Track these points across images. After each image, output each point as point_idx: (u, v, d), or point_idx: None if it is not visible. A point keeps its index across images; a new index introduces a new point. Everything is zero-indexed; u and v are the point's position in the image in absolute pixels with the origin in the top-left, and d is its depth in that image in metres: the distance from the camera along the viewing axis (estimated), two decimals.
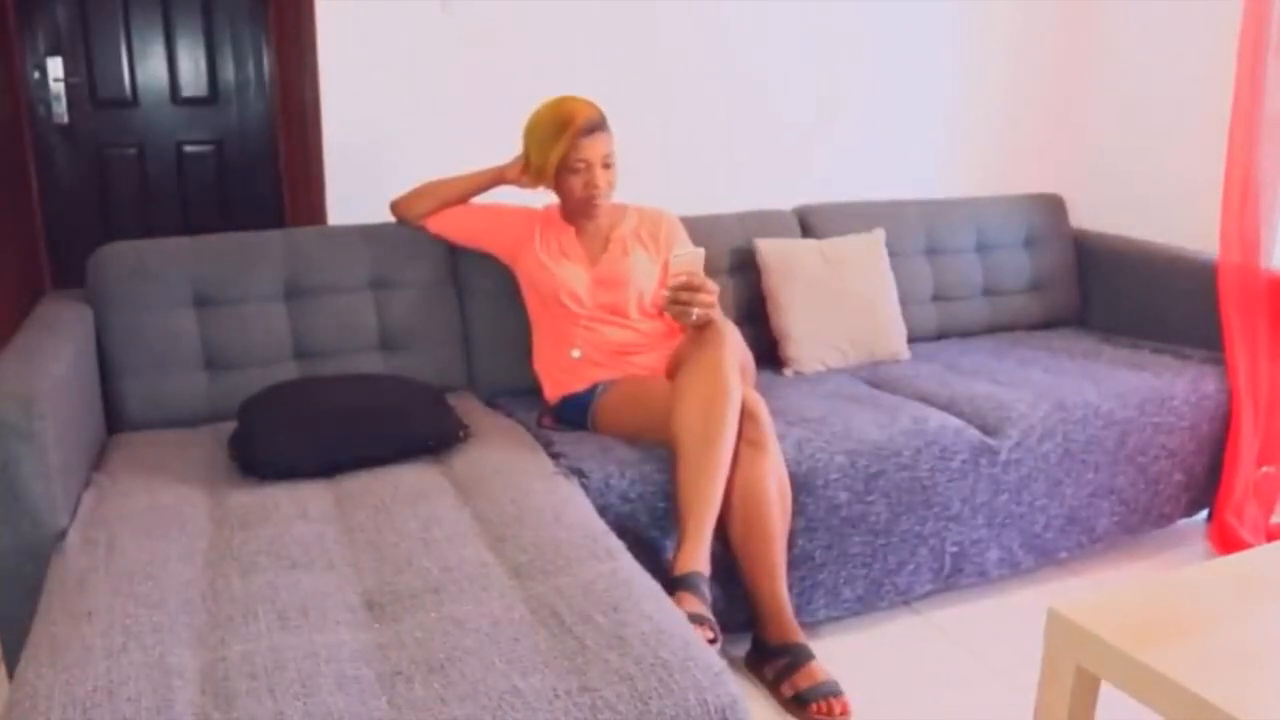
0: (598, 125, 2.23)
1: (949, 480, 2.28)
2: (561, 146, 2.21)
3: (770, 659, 2.01)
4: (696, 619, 1.75)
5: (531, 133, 2.28)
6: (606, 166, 2.25)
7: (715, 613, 2.02)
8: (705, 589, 1.84)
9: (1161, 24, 3.14)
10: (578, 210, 2.32)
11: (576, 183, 2.25)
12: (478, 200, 2.44)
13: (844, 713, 1.92)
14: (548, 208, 2.41)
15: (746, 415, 1.99)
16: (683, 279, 2.04)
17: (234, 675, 1.27)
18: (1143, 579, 2.24)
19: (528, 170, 2.32)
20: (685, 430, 1.95)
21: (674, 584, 1.84)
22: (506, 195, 2.43)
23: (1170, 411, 2.54)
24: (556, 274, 2.31)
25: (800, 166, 3.10)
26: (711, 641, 1.74)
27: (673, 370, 2.16)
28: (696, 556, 1.87)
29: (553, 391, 2.35)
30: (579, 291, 2.30)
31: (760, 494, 1.97)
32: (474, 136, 2.68)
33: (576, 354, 2.30)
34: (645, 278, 2.33)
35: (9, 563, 1.67)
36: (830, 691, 1.93)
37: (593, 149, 2.22)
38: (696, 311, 2.04)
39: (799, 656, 1.98)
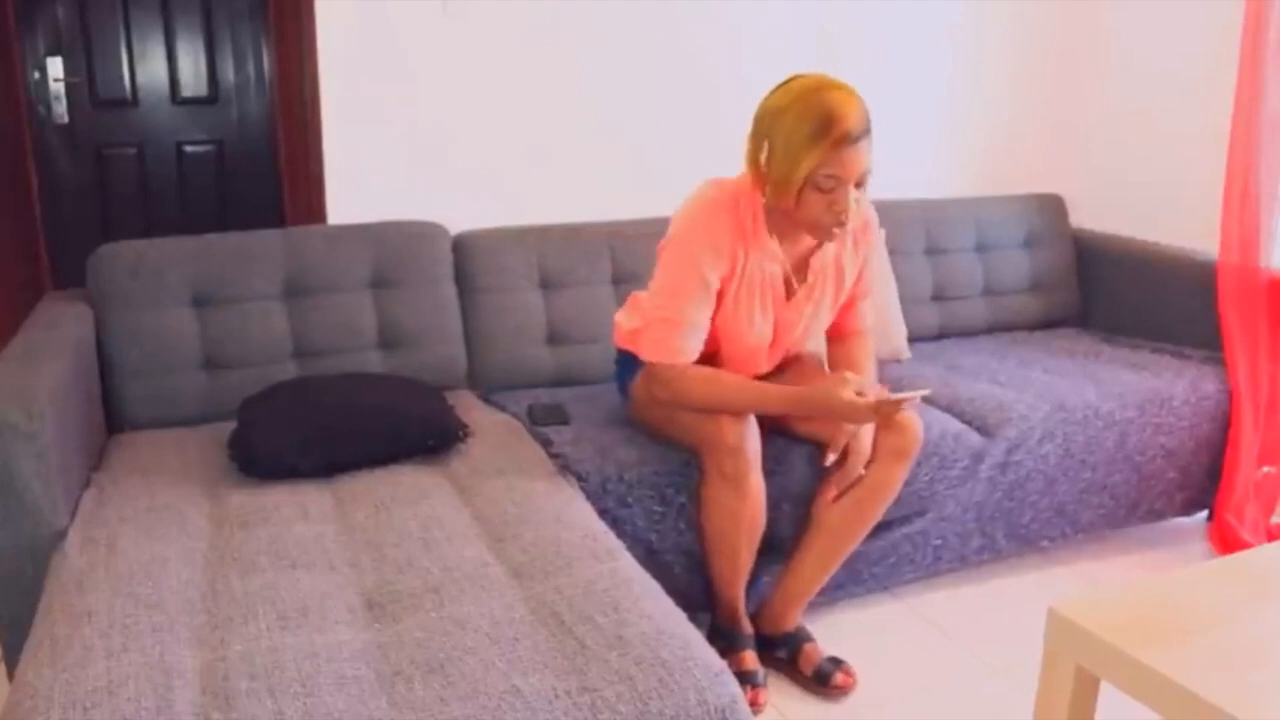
0: (865, 132, 1.76)
1: (948, 488, 2.28)
2: (817, 156, 1.74)
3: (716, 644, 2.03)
4: (839, 662, 2.03)
5: (778, 123, 1.79)
6: (859, 185, 1.80)
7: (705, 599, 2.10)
8: None
9: (1162, 24, 3.14)
10: (810, 230, 1.87)
11: (820, 204, 1.79)
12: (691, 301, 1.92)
13: (755, 702, 1.94)
14: (750, 195, 1.91)
15: (728, 451, 1.89)
16: (907, 399, 1.84)
17: (234, 675, 1.27)
18: (1142, 579, 2.24)
19: (755, 169, 1.86)
20: (843, 521, 2.02)
21: (795, 638, 2.06)
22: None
23: (1170, 412, 2.54)
24: (750, 337, 1.97)
25: None
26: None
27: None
28: (800, 612, 2.11)
29: (627, 339, 2.10)
30: (761, 352, 2.03)
31: (733, 528, 1.96)
32: (474, 136, 2.68)
33: None
34: (821, 332, 2.11)
35: (9, 563, 1.67)
36: (757, 683, 1.98)
37: (852, 164, 1.75)
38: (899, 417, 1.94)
39: (735, 644, 2.03)
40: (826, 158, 1.74)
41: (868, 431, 1.98)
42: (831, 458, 1.98)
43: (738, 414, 1.89)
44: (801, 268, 1.99)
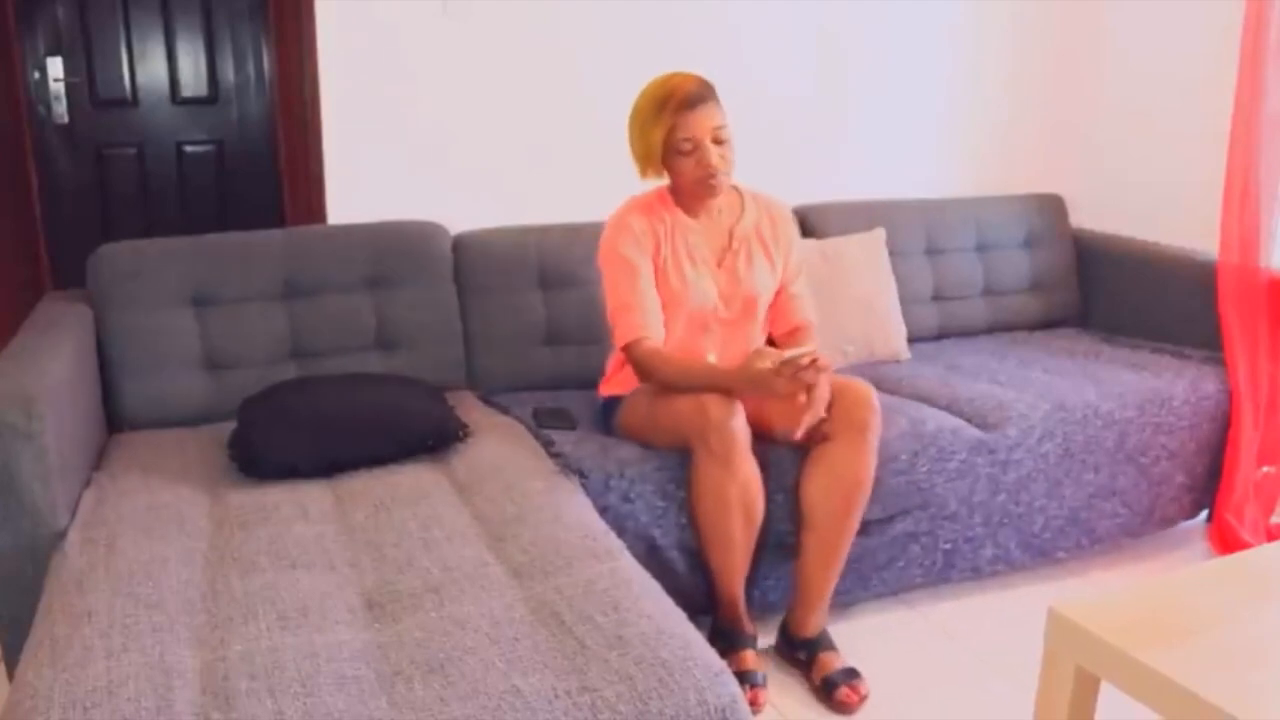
0: (701, 97, 2.03)
1: (946, 481, 2.27)
2: (663, 126, 2.03)
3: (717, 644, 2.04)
4: (851, 675, 2.02)
5: (632, 119, 2.10)
6: (719, 142, 2.05)
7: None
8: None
9: (1162, 24, 3.14)
10: (695, 194, 2.12)
11: (688, 165, 2.06)
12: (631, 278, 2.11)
13: (754, 702, 1.94)
14: (659, 193, 2.19)
15: (713, 427, 1.93)
16: (808, 359, 1.90)
17: (234, 675, 1.27)
18: (1142, 579, 2.24)
19: (637, 161, 2.12)
20: (825, 509, 2.03)
21: (815, 645, 2.06)
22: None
23: (1170, 412, 2.54)
24: (696, 297, 2.13)
25: (800, 166, 3.10)
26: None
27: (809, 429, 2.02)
28: (823, 618, 2.10)
29: (608, 388, 2.26)
30: (710, 302, 2.16)
31: (723, 509, 1.97)
32: (474, 136, 2.68)
33: (712, 358, 2.17)
34: (768, 291, 2.22)
35: (9, 563, 1.67)
36: (756, 683, 1.98)
37: (698, 124, 2.02)
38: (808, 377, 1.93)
39: (735, 644, 2.04)
40: (673, 123, 2.03)
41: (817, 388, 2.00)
42: (799, 432, 1.99)
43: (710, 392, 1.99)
44: (727, 240, 2.20)
